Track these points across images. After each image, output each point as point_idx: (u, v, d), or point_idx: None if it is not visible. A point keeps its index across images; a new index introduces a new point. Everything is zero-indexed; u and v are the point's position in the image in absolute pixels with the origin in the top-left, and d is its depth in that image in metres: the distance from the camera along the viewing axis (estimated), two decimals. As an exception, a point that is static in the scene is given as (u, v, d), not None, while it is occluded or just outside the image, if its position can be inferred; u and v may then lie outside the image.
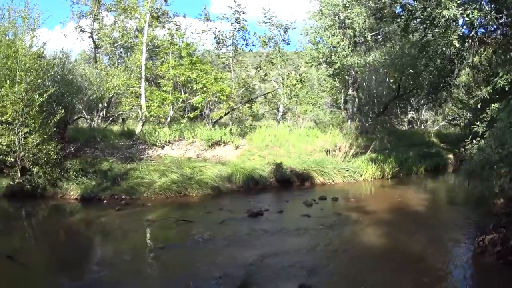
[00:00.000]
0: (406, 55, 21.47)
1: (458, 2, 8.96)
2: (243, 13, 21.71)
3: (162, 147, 17.71)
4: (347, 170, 17.04)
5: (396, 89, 24.54)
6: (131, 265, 7.69)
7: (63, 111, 13.76)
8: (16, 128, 12.77)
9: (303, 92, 22.68)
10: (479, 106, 10.44)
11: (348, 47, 22.11)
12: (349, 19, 21.69)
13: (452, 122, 31.94)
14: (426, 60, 14.03)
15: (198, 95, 19.47)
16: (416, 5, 11.70)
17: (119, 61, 24.46)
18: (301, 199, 13.21)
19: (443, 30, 10.37)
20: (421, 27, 12.43)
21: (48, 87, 14.03)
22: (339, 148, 18.32)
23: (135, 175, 14.01)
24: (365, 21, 20.84)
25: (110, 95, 20.86)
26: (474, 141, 10.04)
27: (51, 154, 12.98)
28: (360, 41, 23.29)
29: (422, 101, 28.93)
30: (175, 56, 19.88)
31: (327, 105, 26.30)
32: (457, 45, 10.10)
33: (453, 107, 29.91)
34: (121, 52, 25.09)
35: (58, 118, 13.32)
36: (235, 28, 22.00)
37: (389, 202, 13.37)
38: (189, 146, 17.99)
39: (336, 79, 25.54)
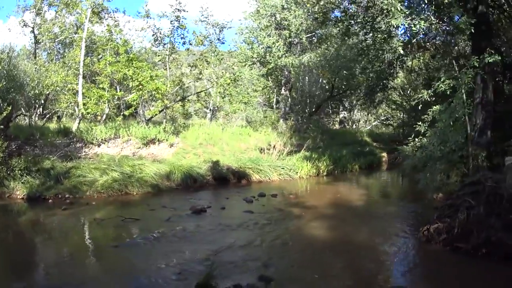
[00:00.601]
0: (342, 57, 22.48)
1: (407, 12, 9.57)
2: (184, 11, 21.64)
3: (99, 145, 17.42)
4: (283, 168, 17.75)
5: (330, 89, 25.48)
6: (88, 265, 7.62)
7: (9, 108, 13.51)
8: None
9: (235, 91, 22.94)
10: (419, 108, 11.26)
11: (283, 48, 22.66)
12: (286, 20, 22.21)
13: (385, 122, 33.67)
14: (365, 63, 14.80)
15: (134, 92, 19.23)
16: (358, 11, 12.34)
17: (57, 57, 23.51)
18: (241, 196, 13.64)
19: (385, 36, 11.02)
20: (362, 31, 13.10)
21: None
22: (274, 147, 18.91)
23: (77, 174, 13.96)
24: (302, 23, 21.45)
25: (47, 92, 20.17)
26: (416, 139, 10.82)
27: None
28: (295, 42, 23.94)
29: (354, 102, 30.25)
30: (112, 53, 19.60)
31: (260, 104, 26.72)
32: (401, 52, 10.78)
33: (387, 107, 31.45)
34: (59, 48, 24.14)
35: (4, 114, 13.01)
36: (174, 26, 21.87)
37: (328, 197, 13.97)
38: (124, 144, 17.81)
39: (269, 79, 26.08)
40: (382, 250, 8.57)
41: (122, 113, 19.28)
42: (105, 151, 17.08)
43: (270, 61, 22.96)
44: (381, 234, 9.60)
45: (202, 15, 23.40)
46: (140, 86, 18.67)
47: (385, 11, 11.01)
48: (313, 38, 24.62)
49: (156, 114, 21.08)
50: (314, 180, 17.82)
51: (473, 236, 7.43)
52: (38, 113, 21.02)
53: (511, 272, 6.69)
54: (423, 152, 9.67)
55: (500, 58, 10.10)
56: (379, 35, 11.49)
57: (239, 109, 23.21)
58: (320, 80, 25.95)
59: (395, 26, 9.68)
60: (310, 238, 9.35)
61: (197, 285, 6.24)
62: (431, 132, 9.83)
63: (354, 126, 33.71)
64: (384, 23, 10.05)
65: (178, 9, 21.47)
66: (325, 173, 18.75)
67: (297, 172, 17.93)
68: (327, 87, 26.54)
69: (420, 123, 10.55)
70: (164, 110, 20.95)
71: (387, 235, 9.60)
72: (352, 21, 12.70)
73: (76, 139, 17.42)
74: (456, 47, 12.08)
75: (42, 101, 21.03)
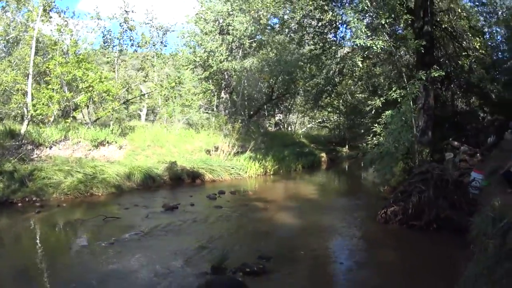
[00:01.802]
0: (283, 63, 24.62)
1: (369, 33, 11.79)
2: (132, 12, 22.79)
3: (50, 147, 17.83)
4: (233, 168, 19.62)
5: (269, 93, 27.62)
6: (98, 263, 8.23)
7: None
8: None
9: (179, 94, 24.06)
10: (373, 112, 13.70)
11: (225, 52, 24.47)
12: (230, 25, 23.96)
13: (320, 124, 36.32)
14: (315, 70, 17.00)
15: (82, 94, 19.93)
16: (309, 23, 14.53)
17: (1, 55, 23.28)
18: (202, 194, 15.14)
19: (339, 47, 13.30)
20: (312, 41, 15.31)
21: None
22: (221, 148, 20.77)
23: (42, 176, 14.37)
24: (246, 29, 23.31)
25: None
26: (374, 138, 13.06)
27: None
28: (235, 47, 25.84)
29: (290, 105, 32.65)
30: (62, 53, 20.19)
31: (201, 107, 28.12)
32: (360, 65, 13.02)
33: (324, 111, 34.05)
34: (3, 47, 24.01)
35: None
36: (123, 29, 22.96)
37: (284, 193, 16.18)
38: (75, 146, 18.40)
39: (210, 82, 27.61)
40: (347, 232, 10.64)
41: (71, 115, 19.95)
42: (56, 153, 17.58)
43: (213, 65, 24.67)
44: (343, 220, 11.76)
45: (147, 17, 24.74)
46: (90, 88, 19.43)
47: (333, 24, 13.31)
48: (254, 43, 26.58)
49: (106, 115, 21.78)
50: (262, 178, 19.83)
51: (425, 214, 9.78)
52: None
53: (457, 241, 8.81)
54: (380, 148, 12.01)
55: (444, 73, 12.68)
56: (333, 47, 13.73)
57: (181, 111, 24.52)
58: (260, 84, 28.04)
59: (359, 44, 11.80)
60: (284, 226, 11.26)
61: (213, 267, 7.65)
62: (386, 132, 12.12)
63: (289, 128, 36.00)
64: (352, 41, 12.18)
65: (126, 11, 22.69)
66: (271, 172, 20.82)
67: (246, 172, 19.82)
68: (266, 90, 28.76)
69: (376, 125, 12.84)
70: (111, 112, 21.86)
71: (349, 220, 11.81)
72: (306, 32, 14.89)
73: (27, 141, 17.61)
74: (399, 57, 14.45)
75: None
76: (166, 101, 24.27)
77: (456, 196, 9.87)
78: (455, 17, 13.93)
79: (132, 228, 10.56)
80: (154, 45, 24.56)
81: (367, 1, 11.88)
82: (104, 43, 23.79)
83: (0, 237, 10.35)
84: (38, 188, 13.88)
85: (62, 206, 13.01)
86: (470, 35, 14.35)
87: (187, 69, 25.66)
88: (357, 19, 11.57)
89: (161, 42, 25.61)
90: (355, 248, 9.49)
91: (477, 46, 14.57)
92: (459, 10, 13.77)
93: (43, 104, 18.45)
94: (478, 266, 6.22)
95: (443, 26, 14.25)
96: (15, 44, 23.43)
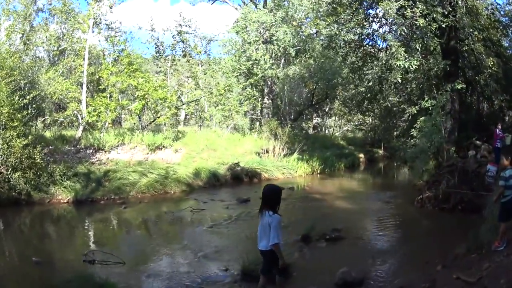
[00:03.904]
0: (324, 70, 28.33)
1: (406, 56, 15.64)
2: (188, 26, 27.03)
3: (109, 151, 20.29)
4: (284, 168, 23.10)
5: (311, 97, 31.73)
6: (214, 239, 11.04)
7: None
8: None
9: (228, 100, 27.66)
10: (409, 118, 17.61)
11: (269, 60, 28.17)
12: (274, 36, 27.65)
13: (358, 127, 40.60)
14: (356, 79, 20.87)
15: (137, 101, 22.78)
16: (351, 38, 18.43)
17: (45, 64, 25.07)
18: None
19: (380, 63, 17.16)
20: (353, 54, 19.24)
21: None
22: (273, 149, 24.18)
23: (118, 176, 16.62)
24: (290, 40, 27.13)
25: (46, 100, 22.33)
26: (412, 140, 16.90)
27: (37, 158, 14.63)
28: (279, 55, 29.63)
29: (327, 109, 36.45)
30: (116, 63, 23.04)
31: (248, 113, 31.78)
32: (399, 80, 16.89)
33: (360, 114, 37.28)
34: (47, 56, 26.29)
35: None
36: (176, 40, 26.98)
37: (334, 187, 19.80)
38: (132, 150, 21.01)
39: (255, 89, 31.06)
40: (392, 213, 14.66)
41: (132, 121, 23.24)
42: (116, 157, 20.15)
43: (257, 73, 28.35)
44: (387, 205, 15.92)
45: (189, 27, 28.61)
46: (146, 96, 22.29)
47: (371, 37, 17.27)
48: (296, 51, 29.79)
49: (164, 122, 25.11)
50: (311, 177, 23.53)
51: (452, 198, 13.72)
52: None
53: (476, 219, 11.08)
54: (416, 147, 15.96)
55: (465, 85, 16.46)
56: (375, 62, 17.61)
57: (229, 117, 28.09)
58: (301, 90, 32.18)
59: (400, 65, 15.62)
60: (342, 209, 15.18)
61: (303, 236, 10.72)
62: (421, 134, 16.02)
63: (326, 131, 39.96)
64: (391, 62, 15.98)
65: (181, 24, 26.79)
66: (318, 172, 24.40)
67: (296, 171, 23.39)
68: (307, 96, 32.69)
69: (413, 129, 16.68)
70: (170, 118, 25.39)
71: (392, 205, 15.95)
72: (351, 49, 18.84)
73: (85, 146, 20.18)
74: (428, 69, 18.10)
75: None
76: (216, 106, 27.58)
77: (475, 183, 13.68)
78: (473, 41, 17.46)
79: (219, 216, 13.30)
80: (198, 54, 28.48)
81: (403, 27, 15.83)
82: (157, 53, 27.52)
83: (112, 227, 12.93)
84: (115, 188, 16.12)
85: (144, 202, 15.35)
86: (485, 56, 17.92)
87: (230, 76, 28.77)
88: (397, 45, 15.51)
89: (205, 52, 29.51)
90: (399, 224, 13.35)
91: (490, 65, 18.22)
92: (476, 33, 17.27)
93: (100, 111, 20.79)
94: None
95: (465, 48, 17.81)
96: (60, 53, 25.45)
